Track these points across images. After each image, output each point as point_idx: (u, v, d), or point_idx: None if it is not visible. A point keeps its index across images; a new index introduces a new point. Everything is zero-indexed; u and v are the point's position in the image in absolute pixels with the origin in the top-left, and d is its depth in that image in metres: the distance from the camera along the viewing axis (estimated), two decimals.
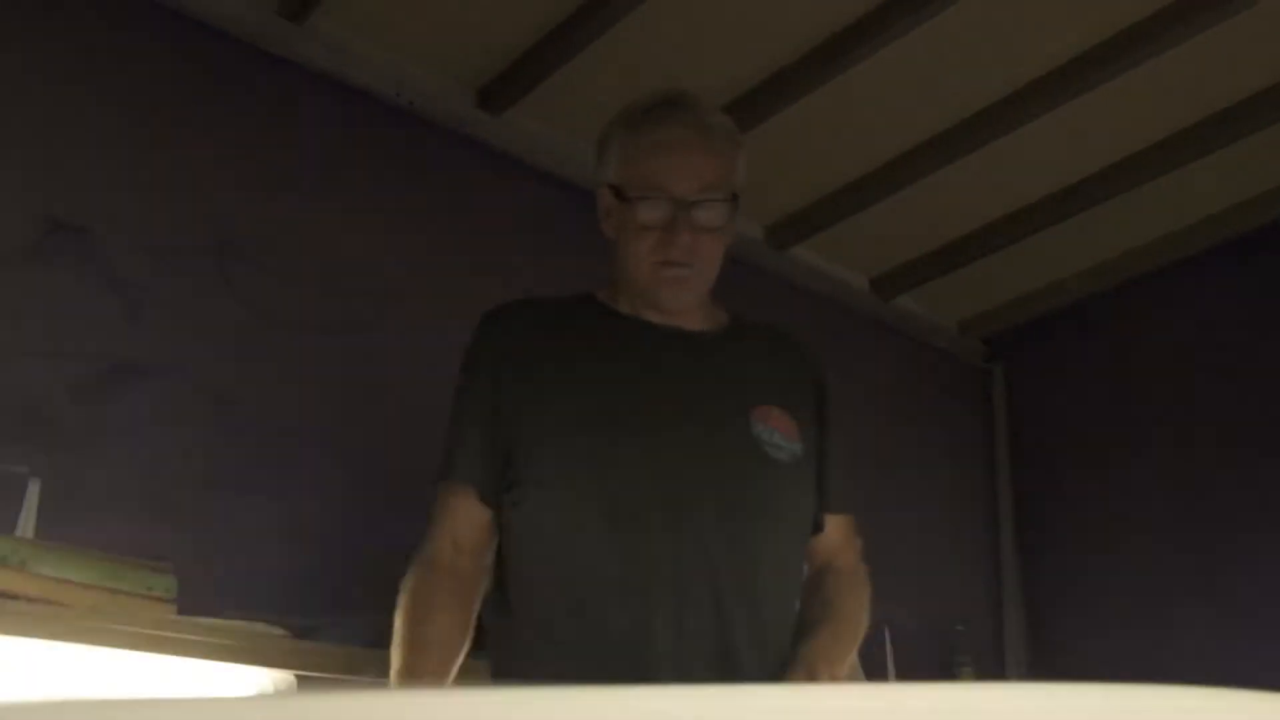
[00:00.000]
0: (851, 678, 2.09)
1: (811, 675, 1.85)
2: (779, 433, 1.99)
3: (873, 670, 2.99)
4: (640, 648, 1.82)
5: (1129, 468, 4.39)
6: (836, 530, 2.11)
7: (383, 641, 2.36)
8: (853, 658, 2.02)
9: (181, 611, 2.26)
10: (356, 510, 2.96)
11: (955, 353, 4.93)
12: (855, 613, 2.04)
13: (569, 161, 3.60)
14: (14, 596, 2.09)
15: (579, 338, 2.07)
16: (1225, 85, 3.60)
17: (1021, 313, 4.84)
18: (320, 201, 3.12)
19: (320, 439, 2.96)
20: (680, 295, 2.03)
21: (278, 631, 2.40)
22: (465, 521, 1.98)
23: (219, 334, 2.85)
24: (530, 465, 1.95)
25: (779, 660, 1.91)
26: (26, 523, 2.33)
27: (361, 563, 2.86)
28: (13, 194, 2.62)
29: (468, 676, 1.98)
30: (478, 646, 1.97)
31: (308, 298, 3.03)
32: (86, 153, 2.75)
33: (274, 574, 2.76)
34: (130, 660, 2.15)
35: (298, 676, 2.44)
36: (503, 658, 1.99)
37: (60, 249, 2.65)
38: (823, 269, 4.41)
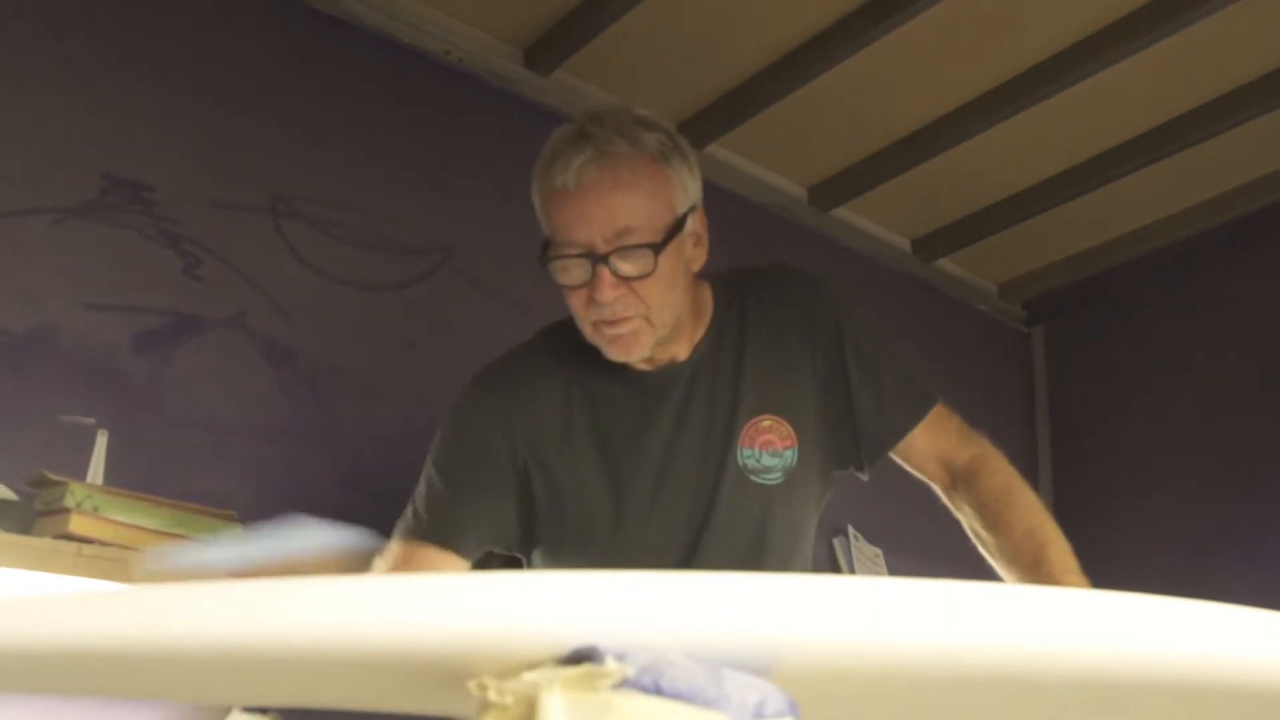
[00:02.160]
0: None
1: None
2: (770, 450, 1.87)
3: None
4: None
5: (1168, 431, 4.40)
6: (930, 435, 1.94)
7: None
8: None
9: None
10: (412, 460, 3.00)
11: (995, 316, 4.94)
12: (1045, 520, 1.83)
13: None
14: (88, 541, 2.15)
15: (583, 402, 1.89)
16: (1263, 52, 3.58)
17: (1061, 277, 4.85)
18: (372, 159, 3.16)
19: (375, 390, 3.01)
20: (631, 353, 1.80)
21: None
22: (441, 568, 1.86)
23: (275, 288, 2.89)
24: (543, 531, 1.89)
25: None
26: (95, 472, 2.38)
27: None
28: (74, 152, 2.67)
29: None
30: None
31: (361, 253, 3.07)
32: (143, 111, 2.79)
33: (331, 521, 2.81)
34: None
35: None
36: None
37: (119, 205, 2.70)
38: (865, 230, 4.44)
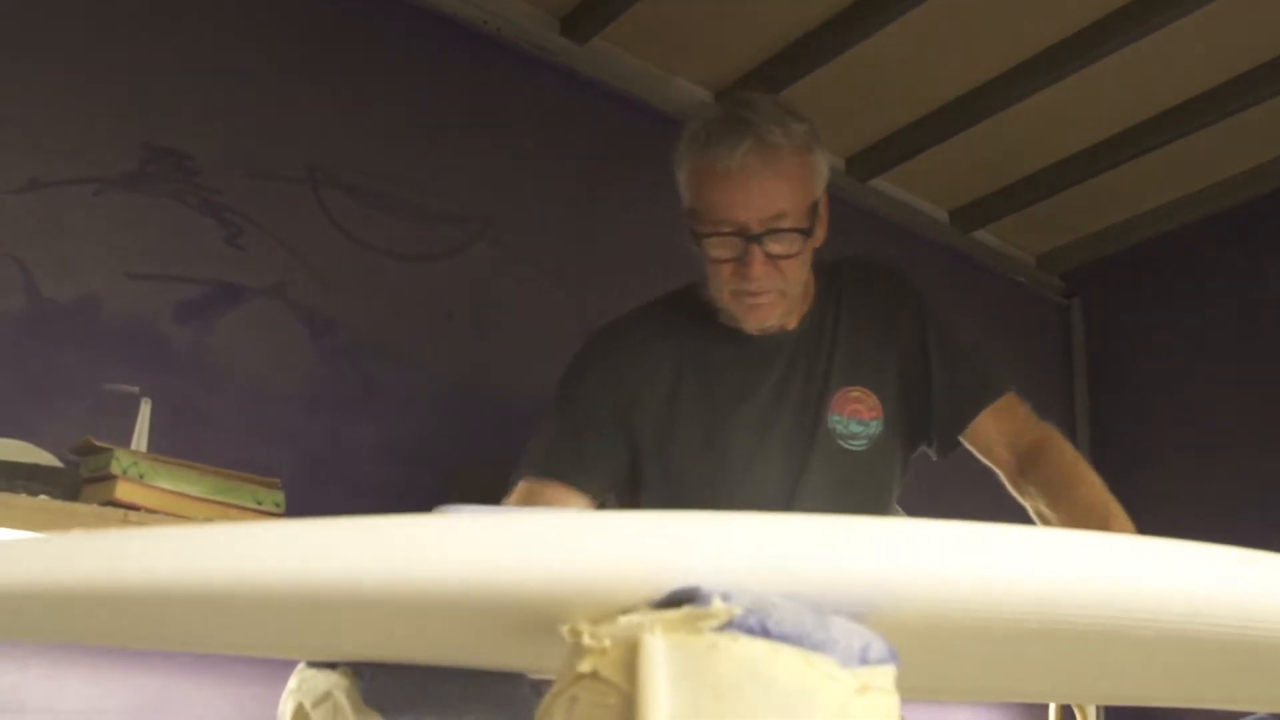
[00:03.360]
0: None
1: None
2: (857, 419, 2.06)
3: None
4: None
5: (1207, 404, 4.37)
6: (1000, 419, 2.11)
7: None
8: None
9: None
10: (450, 430, 3.01)
11: (1033, 288, 4.91)
12: (1097, 483, 1.99)
13: (652, 88, 3.64)
14: (134, 507, 2.14)
15: (691, 364, 2.08)
16: None
17: (1100, 249, 4.82)
18: (411, 128, 3.15)
19: (413, 360, 3.01)
20: (763, 321, 2.01)
21: None
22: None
23: (315, 258, 2.88)
24: (646, 484, 2.07)
25: None
26: (140, 440, 2.37)
27: (455, 480, 2.92)
28: (115, 122, 2.66)
29: None
30: None
31: (399, 223, 3.06)
32: (183, 81, 2.78)
33: (372, 490, 2.81)
34: None
35: None
36: None
37: (160, 175, 2.69)
38: (903, 200, 4.41)
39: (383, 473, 2.86)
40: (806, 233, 1.93)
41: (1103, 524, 1.87)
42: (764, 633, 0.63)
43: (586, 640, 0.67)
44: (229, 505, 2.28)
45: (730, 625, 0.63)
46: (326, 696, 0.93)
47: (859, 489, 2.06)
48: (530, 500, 1.98)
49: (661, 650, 0.63)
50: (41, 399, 2.43)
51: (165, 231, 2.68)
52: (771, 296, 1.96)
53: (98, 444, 2.19)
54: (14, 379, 2.42)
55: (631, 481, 2.09)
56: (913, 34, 3.52)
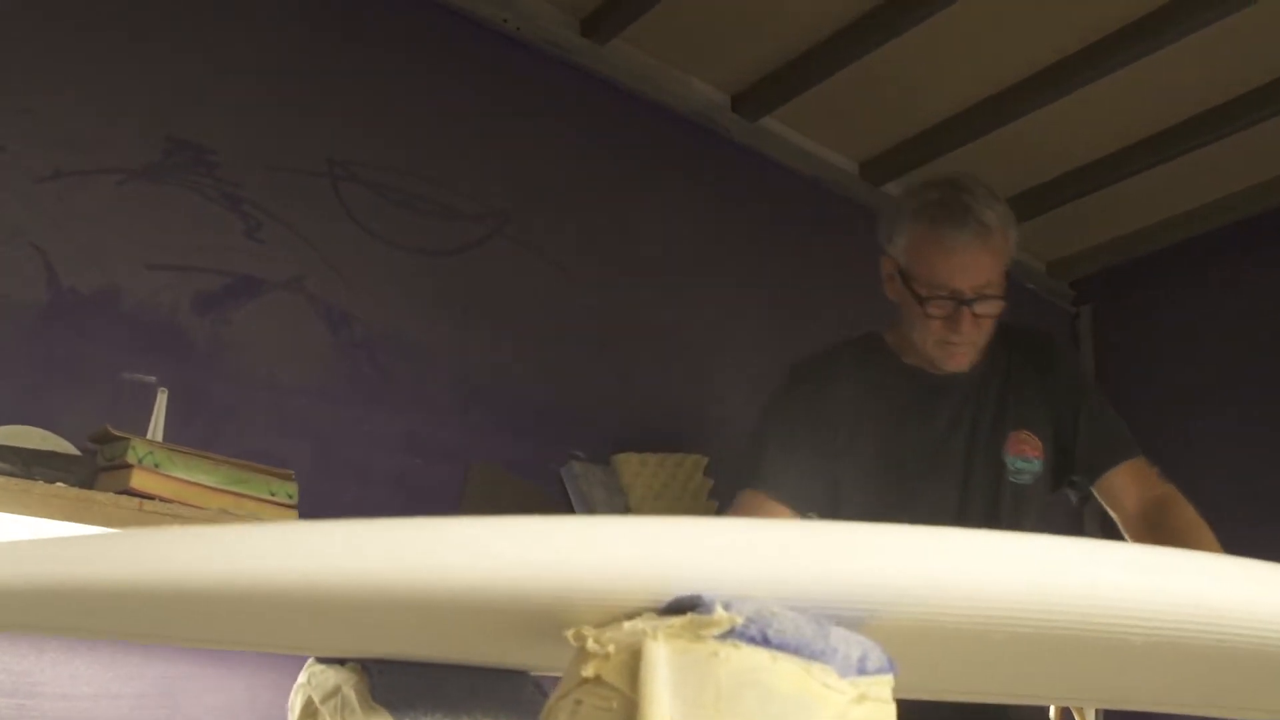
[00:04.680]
0: None
1: None
2: (1023, 457, 2.42)
3: None
4: None
5: (1215, 416, 4.37)
6: (1132, 473, 2.43)
7: None
8: None
9: (302, 517, 2.33)
10: (467, 425, 3.04)
11: (1043, 295, 4.92)
12: (1208, 534, 2.31)
13: (670, 90, 3.67)
14: (149, 496, 2.17)
15: (875, 398, 2.44)
16: None
17: (1110, 257, 4.83)
18: (430, 124, 3.18)
19: (431, 356, 3.04)
20: (960, 365, 2.40)
21: None
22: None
23: (334, 252, 2.91)
24: (843, 500, 2.38)
25: None
26: (155, 430, 2.40)
27: (471, 476, 2.96)
28: (137, 114, 2.68)
29: None
30: None
31: (417, 218, 3.09)
32: (206, 75, 2.81)
33: (387, 483, 2.85)
34: None
35: None
36: None
37: (182, 167, 2.72)
38: None
39: (397, 465, 2.89)
40: (1002, 298, 2.33)
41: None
42: (764, 641, 0.66)
43: (590, 645, 0.69)
44: (243, 496, 2.30)
45: (732, 633, 0.65)
46: (335, 692, 0.95)
47: (1020, 517, 2.39)
48: (753, 511, 2.33)
49: (664, 656, 0.65)
50: (60, 387, 2.46)
51: (185, 223, 2.70)
52: (969, 347, 2.36)
53: (115, 433, 2.20)
54: (34, 367, 2.44)
55: (829, 497, 2.39)
56: (928, 42, 3.53)
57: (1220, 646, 0.84)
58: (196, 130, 2.76)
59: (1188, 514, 2.36)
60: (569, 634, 0.71)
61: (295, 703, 1.02)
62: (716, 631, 0.66)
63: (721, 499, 3.40)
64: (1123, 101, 3.82)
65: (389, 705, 0.94)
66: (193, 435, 2.43)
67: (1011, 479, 2.40)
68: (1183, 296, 4.63)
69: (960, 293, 2.29)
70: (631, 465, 3.31)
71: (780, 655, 0.66)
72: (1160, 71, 3.62)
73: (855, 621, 0.73)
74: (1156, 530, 2.34)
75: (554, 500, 3.15)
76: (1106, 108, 3.85)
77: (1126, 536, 2.41)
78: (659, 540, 0.69)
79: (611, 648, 0.68)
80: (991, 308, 2.32)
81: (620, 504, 3.23)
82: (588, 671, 0.68)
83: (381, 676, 0.96)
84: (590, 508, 3.14)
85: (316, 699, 0.99)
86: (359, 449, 2.83)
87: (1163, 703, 1.18)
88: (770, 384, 3.46)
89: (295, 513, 2.33)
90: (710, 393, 3.64)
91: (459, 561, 0.69)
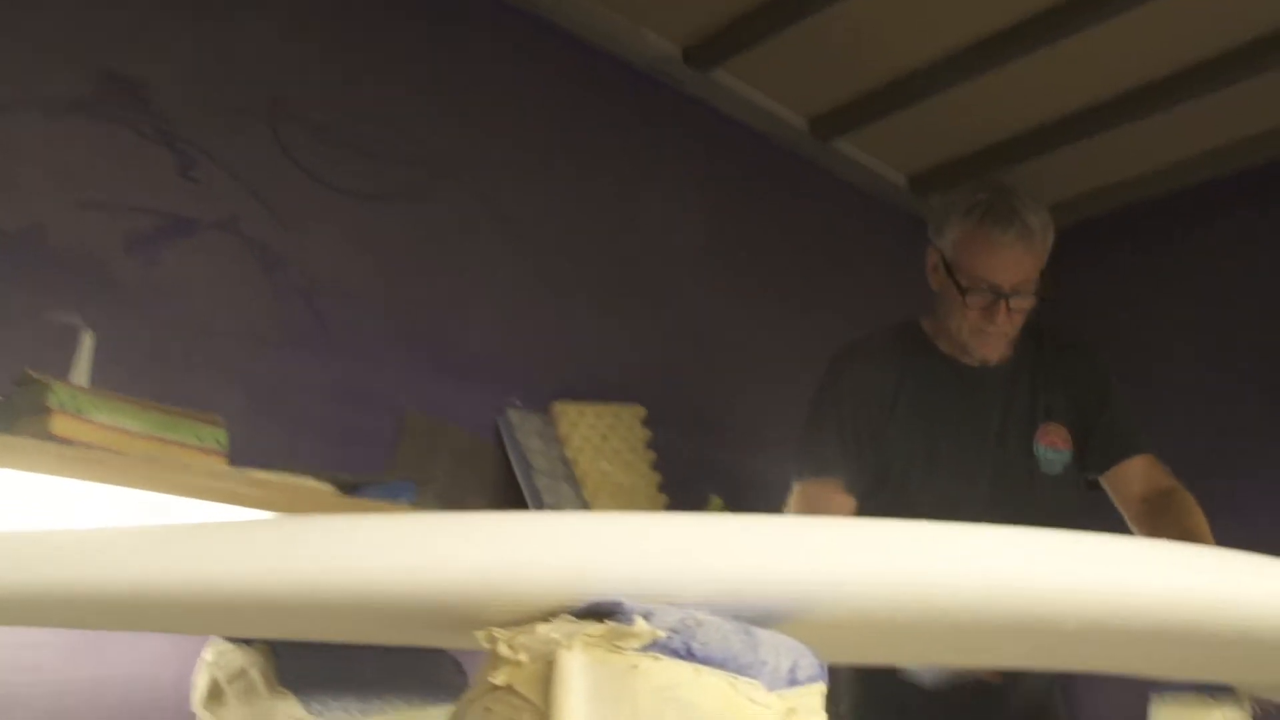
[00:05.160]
0: None
1: None
2: (1053, 448, 2.64)
3: None
4: None
5: (1173, 376, 4.36)
6: (1142, 465, 2.67)
7: (424, 505, 2.39)
8: None
9: (233, 465, 2.27)
10: (399, 373, 2.98)
11: None
12: (1205, 530, 2.49)
13: (618, 39, 3.61)
14: (70, 442, 2.10)
15: (913, 381, 2.66)
16: None
17: (1068, 216, 4.80)
18: (372, 68, 3.11)
19: (369, 301, 2.97)
20: (992, 355, 2.64)
21: (325, 487, 2.42)
22: (842, 510, 2.56)
23: (271, 193, 2.84)
24: (880, 481, 2.61)
25: None
26: (80, 373, 2.33)
27: (403, 424, 2.91)
28: (69, 46, 2.59)
29: None
30: None
31: (358, 162, 3.02)
32: (143, 8, 2.72)
33: (320, 431, 2.79)
34: (182, 507, 2.16)
35: None
36: None
37: (115, 102, 2.64)
38: (864, 163, 4.38)
39: (329, 413, 2.83)
40: (1037, 295, 2.56)
41: (1186, 536, 2.41)
42: (688, 655, 0.62)
43: (502, 650, 0.65)
44: (169, 442, 2.23)
45: (653, 646, 0.61)
46: (241, 674, 0.92)
47: (1049, 504, 2.61)
48: (815, 499, 2.57)
49: (579, 668, 0.61)
50: None
51: (117, 161, 2.62)
52: (1001, 338, 2.60)
53: (35, 376, 2.14)
54: None
55: (879, 482, 2.61)
56: None
57: (1149, 625, 0.83)
58: (131, 64, 2.67)
59: (1188, 503, 2.57)
60: (479, 635, 0.67)
61: (200, 682, 0.98)
62: (637, 644, 0.62)
63: (660, 451, 3.37)
64: (1086, 61, 3.79)
65: (296, 689, 0.91)
66: (120, 379, 2.35)
67: (1043, 469, 2.63)
68: (1142, 257, 4.62)
69: (999, 287, 2.51)
70: (569, 415, 3.27)
71: (704, 669, 0.62)
72: (1123, 33, 3.60)
73: (784, 616, 0.70)
74: (1161, 516, 2.57)
75: (490, 449, 3.11)
76: (1066, 68, 3.82)
77: (1130, 524, 2.63)
78: (576, 538, 0.66)
79: (524, 656, 0.64)
80: (1026, 303, 2.55)
81: (556, 453, 3.20)
82: (498, 679, 0.64)
83: (289, 659, 0.92)
84: (526, 457, 3.11)
85: (222, 680, 0.95)
86: (292, 396, 2.77)
87: (1096, 668, 1.21)
88: (712, 334, 3.44)
89: (224, 460, 2.28)
90: (652, 343, 3.60)
91: (363, 559, 0.65)
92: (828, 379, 2.73)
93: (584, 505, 3.17)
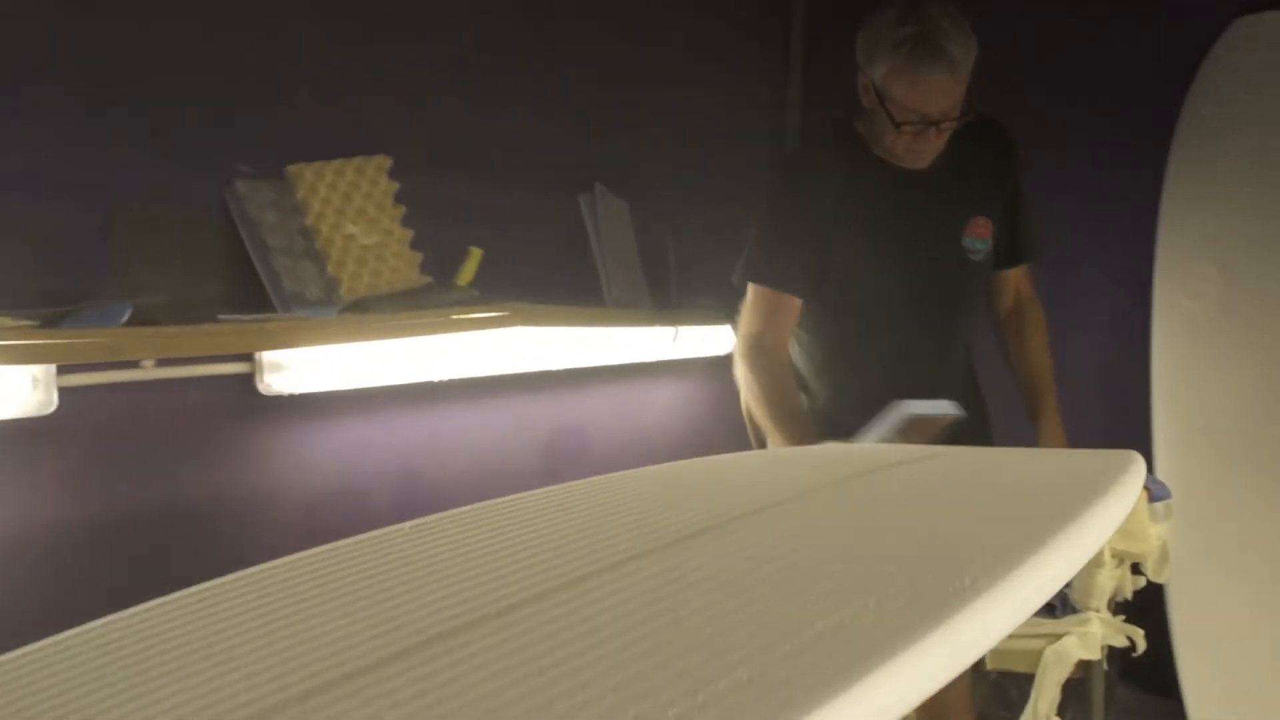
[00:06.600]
0: None
1: (1060, 438, 2.95)
2: (980, 239, 2.95)
3: None
4: (900, 364, 2.94)
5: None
6: (1020, 272, 3.13)
7: (141, 320, 2.05)
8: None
9: None
10: (103, 156, 2.55)
11: None
12: (1047, 357, 3.09)
13: None
14: None
15: (854, 187, 2.87)
16: None
17: None
18: None
19: (48, 67, 2.48)
20: (921, 164, 2.86)
21: (27, 323, 2.09)
22: (790, 320, 2.91)
23: None
24: (829, 281, 2.90)
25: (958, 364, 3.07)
26: None
27: (114, 219, 2.52)
28: None
29: None
30: None
31: None
32: None
33: (9, 234, 2.37)
34: None
35: (60, 369, 2.20)
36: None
37: None
38: None
39: (18, 213, 2.40)
40: (963, 117, 2.76)
41: (1034, 395, 3.02)
42: None
43: None
44: None
45: None
46: None
47: (972, 283, 3.00)
48: (775, 311, 2.88)
49: None
50: None
51: None
52: (932, 152, 2.83)
53: None
54: None
55: (824, 281, 2.90)
56: None
57: None
58: None
59: (1036, 321, 3.11)
60: None
61: None
62: None
63: (408, 201, 3.05)
64: None
65: None
66: None
67: (971, 258, 2.95)
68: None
69: (929, 117, 2.72)
70: (307, 177, 2.93)
71: None
72: None
73: None
74: (1011, 333, 3.12)
75: (219, 229, 2.74)
76: None
77: (996, 325, 3.16)
78: None
79: None
80: (954, 125, 2.77)
81: (296, 225, 2.87)
82: None
83: None
84: (260, 235, 2.77)
85: None
86: None
87: None
88: (461, 63, 3.07)
89: None
90: (393, 85, 3.20)
91: None
92: (775, 188, 3.01)
93: (329, 281, 2.85)
